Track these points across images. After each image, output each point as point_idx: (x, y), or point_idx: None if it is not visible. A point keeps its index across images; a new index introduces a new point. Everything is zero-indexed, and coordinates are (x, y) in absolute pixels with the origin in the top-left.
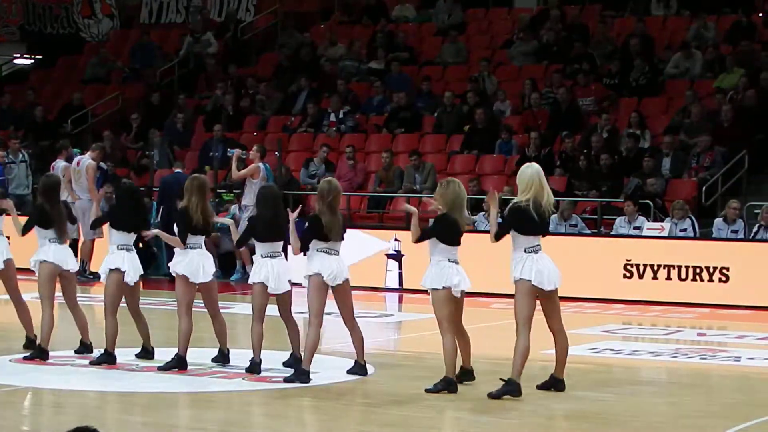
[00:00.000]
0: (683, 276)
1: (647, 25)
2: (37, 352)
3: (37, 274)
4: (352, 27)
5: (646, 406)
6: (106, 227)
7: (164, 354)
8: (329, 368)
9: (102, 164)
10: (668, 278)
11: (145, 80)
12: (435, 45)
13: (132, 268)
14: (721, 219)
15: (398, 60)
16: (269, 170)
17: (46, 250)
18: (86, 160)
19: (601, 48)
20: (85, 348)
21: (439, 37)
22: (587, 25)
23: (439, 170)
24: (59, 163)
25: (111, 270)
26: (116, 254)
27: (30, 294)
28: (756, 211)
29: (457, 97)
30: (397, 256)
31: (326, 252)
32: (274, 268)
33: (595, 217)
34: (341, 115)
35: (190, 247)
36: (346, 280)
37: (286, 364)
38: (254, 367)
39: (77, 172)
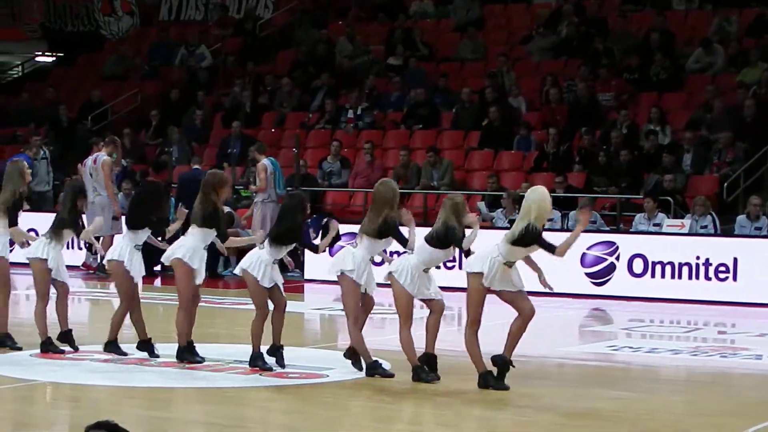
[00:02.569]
0: (703, 273)
1: (668, 19)
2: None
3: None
4: (369, 23)
5: (664, 404)
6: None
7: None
8: (347, 364)
9: (122, 161)
10: (689, 275)
11: (163, 77)
12: (453, 41)
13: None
14: (744, 216)
15: (416, 56)
16: (275, 163)
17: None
18: (102, 156)
19: (620, 43)
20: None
21: (457, 33)
22: (606, 19)
23: (457, 167)
24: (90, 160)
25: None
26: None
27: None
28: None
29: (475, 93)
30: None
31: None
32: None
33: (615, 213)
34: (359, 112)
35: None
36: None
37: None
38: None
39: (95, 170)
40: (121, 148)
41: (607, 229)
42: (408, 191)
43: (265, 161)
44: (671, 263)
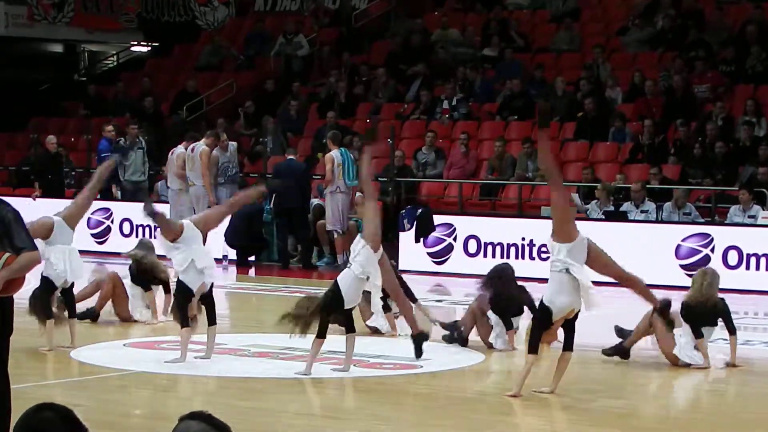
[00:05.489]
0: None
1: (765, 11)
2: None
3: None
4: (465, 14)
5: (759, 396)
6: None
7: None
8: (442, 356)
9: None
10: None
11: (258, 68)
12: (549, 32)
13: None
14: None
15: (512, 47)
16: (345, 154)
17: None
18: (200, 146)
19: (717, 35)
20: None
21: (553, 24)
22: (703, 11)
23: None
24: (178, 150)
25: None
26: None
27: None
28: None
29: (570, 85)
30: None
31: None
32: None
33: (709, 205)
34: (454, 103)
35: None
36: None
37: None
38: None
39: (191, 159)
40: (216, 139)
41: (702, 221)
42: (503, 182)
43: (334, 152)
44: (766, 255)
